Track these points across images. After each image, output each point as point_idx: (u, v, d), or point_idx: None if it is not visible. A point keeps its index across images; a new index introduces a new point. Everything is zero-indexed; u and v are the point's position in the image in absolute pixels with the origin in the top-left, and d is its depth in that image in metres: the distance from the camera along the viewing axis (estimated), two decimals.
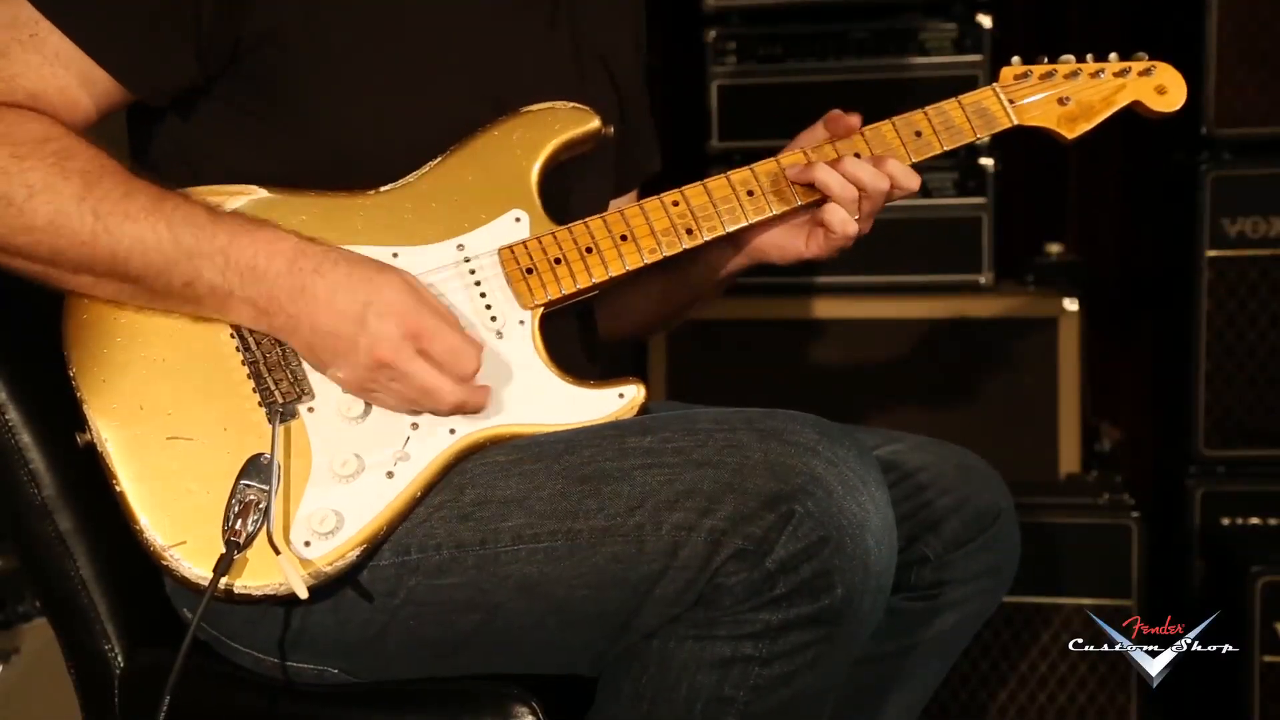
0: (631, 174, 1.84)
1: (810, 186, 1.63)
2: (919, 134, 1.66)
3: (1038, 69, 1.70)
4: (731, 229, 1.61)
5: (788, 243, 1.69)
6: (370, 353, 1.40)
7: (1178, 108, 1.71)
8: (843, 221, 1.62)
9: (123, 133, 1.61)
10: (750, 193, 1.61)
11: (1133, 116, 1.75)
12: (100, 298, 1.45)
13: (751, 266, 1.75)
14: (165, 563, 1.41)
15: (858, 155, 1.63)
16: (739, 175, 1.62)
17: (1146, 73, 1.71)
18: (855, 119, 1.65)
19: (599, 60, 1.71)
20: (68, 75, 1.45)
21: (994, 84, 1.69)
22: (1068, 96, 1.69)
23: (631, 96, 1.80)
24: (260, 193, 1.50)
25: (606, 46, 1.73)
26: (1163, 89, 1.71)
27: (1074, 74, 1.70)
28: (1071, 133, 1.70)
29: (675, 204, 1.59)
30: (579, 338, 1.66)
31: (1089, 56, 1.71)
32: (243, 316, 1.44)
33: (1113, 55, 1.71)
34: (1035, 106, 1.68)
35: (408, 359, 1.41)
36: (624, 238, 1.57)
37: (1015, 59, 1.72)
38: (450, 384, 1.43)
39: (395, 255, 1.50)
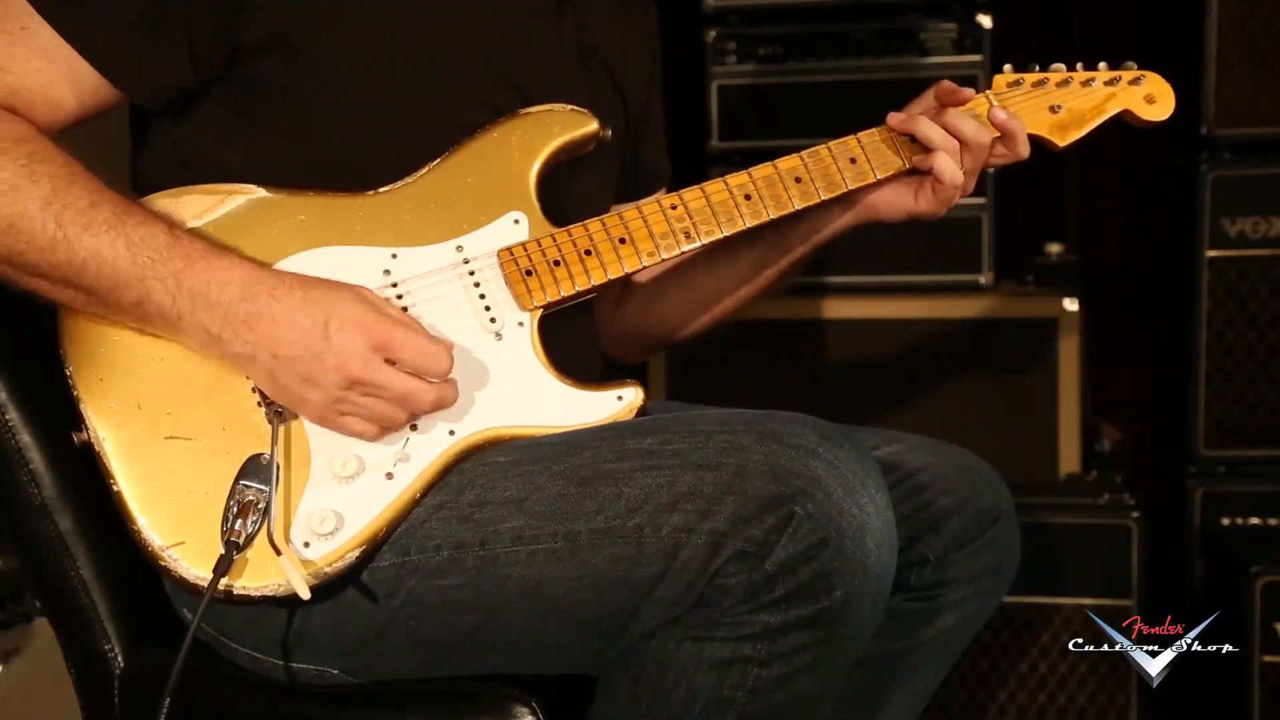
0: (643, 182, 1.82)
1: (912, 140, 1.64)
2: (913, 139, 1.66)
3: (1030, 77, 1.71)
4: (729, 233, 1.61)
5: (896, 199, 1.68)
6: (339, 370, 1.39)
7: (1166, 117, 1.72)
8: (952, 173, 1.62)
9: (123, 133, 1.62)
10: (748, 196, 1.61)
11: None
12: (61, 302, 1.45)
13: (860, 225, 1.73)
14: (163, 563, 1.42)
15: (853, 160, 1.64)
16: (736, 179, 1.62)
17: (1136, 82, 1.72)
18: (967, 93, 1.66)
19: (604, 66, 1.71)
20: (54, 71, 1.45)
21: (987, 91, 1.70)
22: (1059, 104, 1.70)
23: (639, 103, 1.79)
24: (259, 192, 1.50)
25: (613, 52, 1.72)
26: (1151, 98, 1.72)
27: (1065, 82, 1.71)
28: (1063, 140, 1.71)
29: (674, 207, 1.60)
30: (579, 339, 1.65)
31: (1079, 65, 1.72)
32: (194, 341, 1.42)
33: (1102, 64, 1.73)
34: (1028, 114, 1.69)
35: (376, 369, 1.39)
36: (622, 241, 1.57)
37: (1007, 66, 1.73)
38: (426, 385, 1.42)
39: (394, 256, 1.51)
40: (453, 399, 1.45)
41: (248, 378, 1.45)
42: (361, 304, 1.41)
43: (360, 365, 1.39)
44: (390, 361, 1.40)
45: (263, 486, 1.41)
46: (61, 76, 1.46)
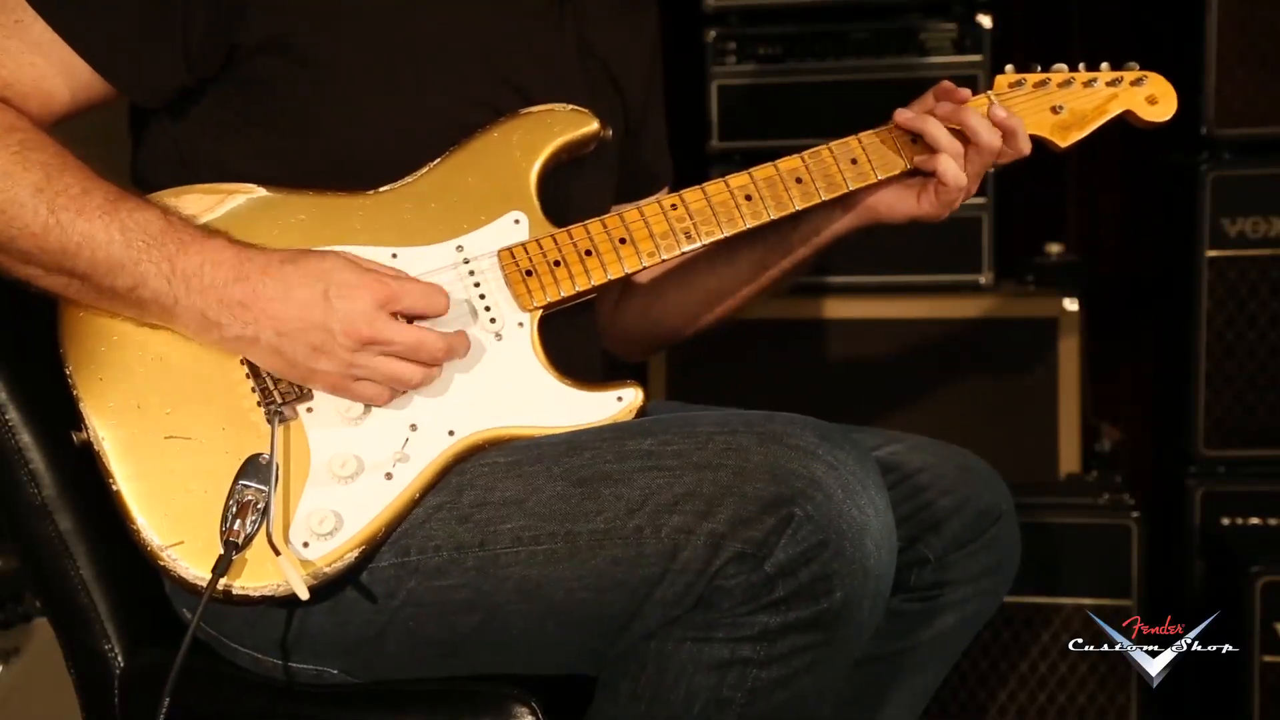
0: (644, 182, 1.82)
1: (917, 141, 1.64)
2: (915, 140, 1.66)
3: (1031, 77, 1.71)
4: (730, 234, 1.60)
5: (898, 202, 1.68)
6: (348, 334, 1.39)
7: (1168, 118, 1.72)
8: (955, 175, 1.62)
9: (123, 131, 1.61)
10: (748, 197, 1.61)
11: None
12: (53, 291, 1.44)
13: (861, 227, 1.72)
14: (162, 563, 1.42)
15: (854, 161, 1.64)
16: (737, 180, 1.61)
17: (1138, 83, 1.72)
18: (965, 93, 1.66)
19: (604, 66, 1.71)
20: (47, 65, 1.45)
21: (988, 91, 1.69)
22: (1061, 105, 1.70)
23: (639, 103, 1.79)
24: (259, 191, 1.51)
25: (613, 52, 1.72)
26: (1153, 99, 1.71)
27: (1067, 83, 1.71)
28: (1065, 141, 1.70)
29: (674, 207, 1.59)
30: (579, 340, 1.65)
31: (1081, 66, 1.72)
32: (189, 327, 1.43)
33: (1104, 65, 1.72)
34: (1030, 114, 1.68)
35: (385, 325, 1.40)
36: (623, 241, 1.57)
37: (1009, 67, 1.72)
38: (435, 333, 1.43)
39: (394, 256, 1.50)
40: (465, 348, 1.46)
41: (246, 371, 1.44)
42: (352, 266, 1.42)
43: (368, 324, 1.39)
44: (396, 315, 1.41)
45: (262, 486, 1.41)
46: (55, 70, 1.46)
